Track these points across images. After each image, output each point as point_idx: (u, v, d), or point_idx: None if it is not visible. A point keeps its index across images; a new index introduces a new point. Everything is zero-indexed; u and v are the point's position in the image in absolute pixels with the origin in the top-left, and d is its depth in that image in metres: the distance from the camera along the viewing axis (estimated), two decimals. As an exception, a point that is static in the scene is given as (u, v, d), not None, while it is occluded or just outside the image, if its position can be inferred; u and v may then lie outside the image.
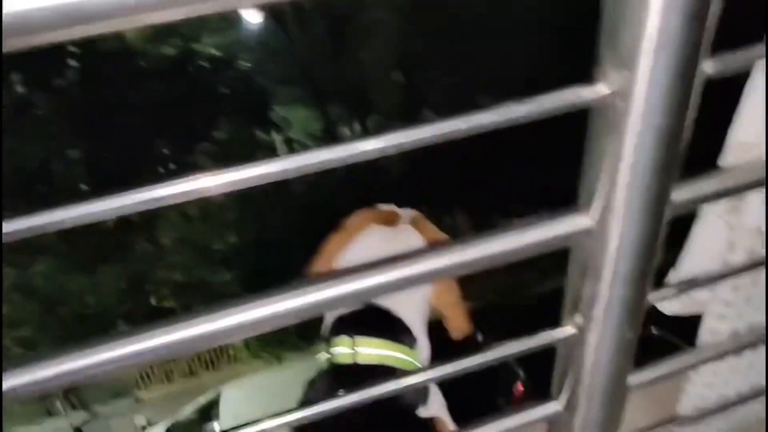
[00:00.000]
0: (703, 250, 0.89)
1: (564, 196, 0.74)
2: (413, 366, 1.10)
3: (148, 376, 9.30)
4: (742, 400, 1.01)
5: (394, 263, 0.62)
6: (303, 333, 7.88)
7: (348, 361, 1.08)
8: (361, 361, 1.07)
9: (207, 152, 9.55)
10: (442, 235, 1.26)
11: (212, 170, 0.59)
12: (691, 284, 0.82)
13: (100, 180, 8.57)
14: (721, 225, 0.90)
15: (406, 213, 1.32)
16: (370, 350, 1.07)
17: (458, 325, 1.16)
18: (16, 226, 0.53)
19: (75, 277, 7.72)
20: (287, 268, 8.38)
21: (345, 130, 10.42)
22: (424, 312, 1.17)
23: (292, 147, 10.26)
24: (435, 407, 1.04)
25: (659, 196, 0.65)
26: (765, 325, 0.98)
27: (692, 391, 1.10)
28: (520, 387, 5.42)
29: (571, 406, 0.84)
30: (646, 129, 0.60)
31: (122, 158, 8.44)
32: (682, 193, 0.67)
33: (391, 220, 1.28)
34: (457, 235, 0.74)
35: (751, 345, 0.89)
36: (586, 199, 0.67)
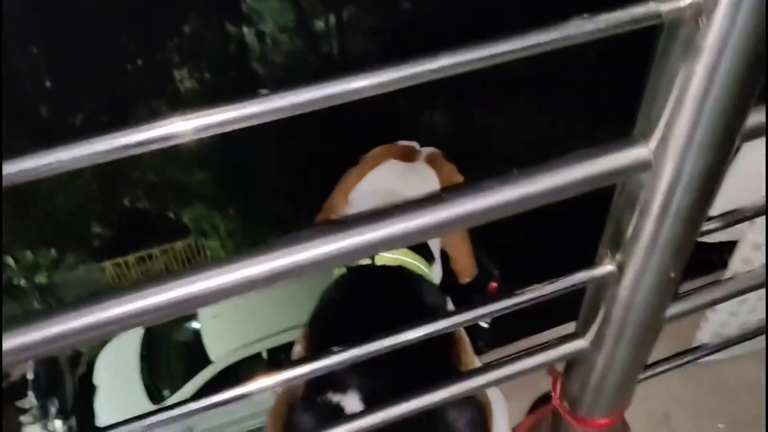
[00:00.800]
0: (749, 175, 0.83)
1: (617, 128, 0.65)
2: (430, 278, 1.08)
3: (124, 275, 9.28)
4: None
5: (431, 203, 0.54)
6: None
7: (366, 261, 1.05)
8: (379, 262, 1.04)
9: (177, 48, 9.17)
10: (459, 176, 1.21)
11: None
12: (737, 216, 0.76)
13: (66, 77, 8.22)
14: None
15: (426, 150, 1.26)
16: (391, 255, 1.05)
17: (465, 266, 1.13)
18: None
19: (45, 179, 7.51)
20: (263, 166, 8.28)
21: (319, 23, 10.03)
22: (440, 242, 1.12)
23: (264, 41, 9.89)
24: None
25: (731, 126, 0.57)
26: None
27: (714, 319, 1.06)
28: (493, 285, 5.53)
29: (596, 343, 0.80)
30: (726, 49, 0.51)
31: (89, 55, 8.06)
32: (755, 119, 0.59)
33: (409, 156, 1.24)
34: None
35: (788, 276, 0.84)
36: (643, 128, 0.59)
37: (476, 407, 0.91)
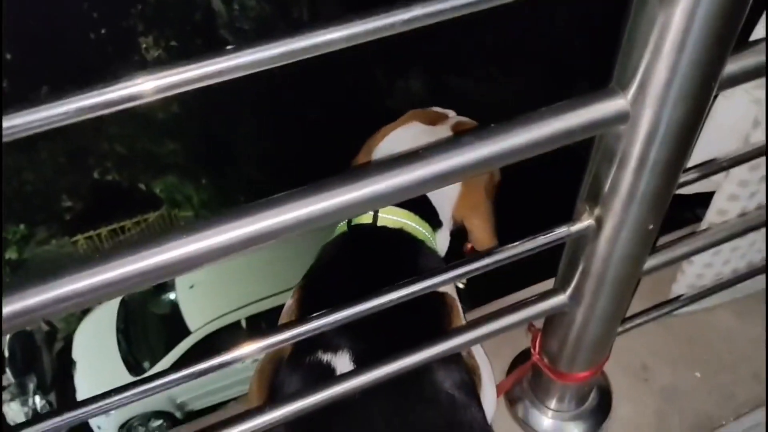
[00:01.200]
0: (725, 126, 0.83)
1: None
2: (432, 244, 1.06)
3: (97, 248, 9.16)
4: (743, 277, 0.99)
5: (407, 161, 0.53)
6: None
7: (367, 221, 1.04)
8: (381, 223, 1.03)
9: (141, 16, 8.92)
10: None
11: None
12: (714, 167, 0.76)
13: (27, 49, 7.96)
14: (746, 100, 0.82)
15: (456, 118, 1.23)
16: (393, 217, 1.03)
17: (483, 243, 1.09)
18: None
19: (11, 153, 7.36)
20: (235, 134, 8.17)
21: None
22: (451, 209, 1.11)
23: (232, 6, 9.66)
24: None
25: (709, 73, 0.56)
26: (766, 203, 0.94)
27: (690, 271, 1.07)
28: (468, 246, 5.55)
29: (575, 298, 0.80)
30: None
31: (51, 25, 7.82)
32: (732, 67, 0.58)
33: (435, 121, 1.20)
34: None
35: (762, 225, 0.85)
36: (620, 79, 0.58)
37: (465, 370, 0.91)
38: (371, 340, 0.86)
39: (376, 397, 0.81)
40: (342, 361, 0.85)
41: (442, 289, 0.99)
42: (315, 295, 0.98)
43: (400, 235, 1.02)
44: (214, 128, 7.99)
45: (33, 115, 0.43)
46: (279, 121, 7.78)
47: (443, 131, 1.15)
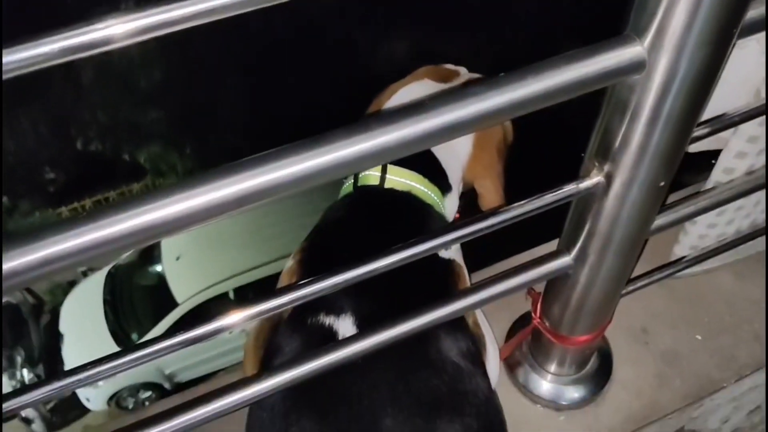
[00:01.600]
0: (735, 80, 0.79)
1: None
2: (440, 209, 1.02)
3: (83, 209, 9.06)
4: (747, 238, 0.97)
5: (412, 112, 0.49)
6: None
7: (374, 183, 0.99)
8: (388, 185, 0.99)
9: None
10: None
11: None
12: (725, 121, 0.73)
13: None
14: (758, 51, 0.79)
15: (467, 75, 1.18)
16: (401, 179, 0.99)
17: (493, 202, 1.05)
18: None
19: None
20: (218, 101, 8.04)
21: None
22: (461, 172, 1.08)
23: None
24: (453, 251, 0.98)
25: (730, 18, 0.52)
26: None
27: (693, 232, 1.05)
28: (456, 216, 5.54)
29: (580, 259, 0.78)
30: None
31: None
32: (755, 13, 0.55)
33: (447, 78, 1.14)
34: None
35: (771, 182, 0.83)
36: (637, 25, 0.54)
37: (471, 339, 0.88)
38: (376, 305, 0.83)
39: (379, 365, 0.79)
40: (345, 325, 0.82)
41: (449, 256, 0.96)
42: (318, 255, 0.95)
43: (407, 198, 0.99)
44: (197, 96, 7.86)
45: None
46: (261, 88, 7.67)
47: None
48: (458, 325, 0.87)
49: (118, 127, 8.17)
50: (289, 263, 0.95)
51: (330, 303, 0.84)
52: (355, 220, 0.99)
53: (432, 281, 0.91)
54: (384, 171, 0.99)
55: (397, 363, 0.80)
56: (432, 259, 0.92)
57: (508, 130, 1.16)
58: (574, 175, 0.70)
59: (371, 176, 1.00)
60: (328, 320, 0.83)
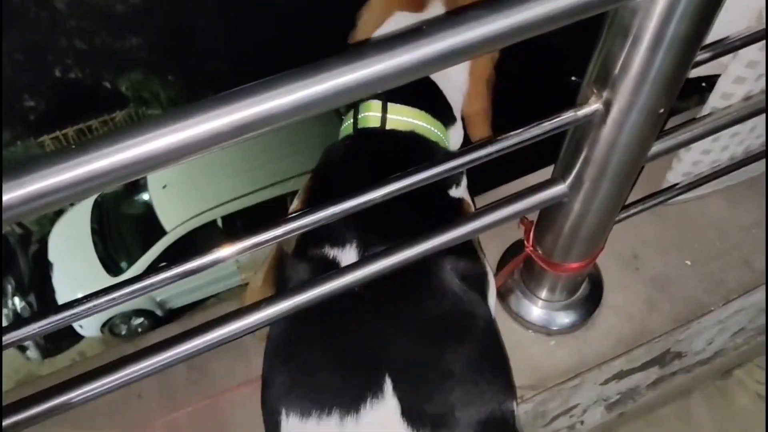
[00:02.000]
0: (737, 2, 0.77)
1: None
2: (445, 144, 0.97)
3: (67, 141, 8.89)
4: (741, 164, 0.96)
5: (408, 38, 0.48)
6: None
7: (375, 124, 0.94)
8: (390, 126, 0.93)
9: None
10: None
11: None
12: (726, 45, 0.71)
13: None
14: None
15: None
16: (403, 118, 0.93)
17: (481, 133, 1.01)
18: None
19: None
20: (200, 26, 7.84)
21: None
22: (462, 99, 1.02)
23: None
24: (462, 189, 0.95)
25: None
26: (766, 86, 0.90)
27: (687, 158, 1.04)
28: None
29: (575, 187, 0.77)
30: None
31: None
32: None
33: (419, 4, 1.01)
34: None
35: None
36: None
37: (474, 269, 0.88)
38: (381, 238, 0.82)
39: (383, 297, 0.79)
40: (349, 257, 0.82)
41: (458, 194, 0.94)
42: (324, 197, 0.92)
43: (411, 138, 0.93)
44: (178, 21, 7.64)
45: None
46: (242, 11, 7.45)
47: (437, 11, 1.01)
48: (462, 255, 0.87)
49: (96, 53, 7.95)
50: (294, 204, 0.94)
51: (335, 235, 0.83)
52: (356, 169, 0.94)
53: (440, 217, 0.89)
54: (384, 110, 0.93)
55: (401, 293, 0.81)
56: (442, 199, 0.90)
57: (494, 58, 1.09)
58: (563, 101, 0.69)
59: (371, 117, 0.94)
60: (332, 252, 0.82)
